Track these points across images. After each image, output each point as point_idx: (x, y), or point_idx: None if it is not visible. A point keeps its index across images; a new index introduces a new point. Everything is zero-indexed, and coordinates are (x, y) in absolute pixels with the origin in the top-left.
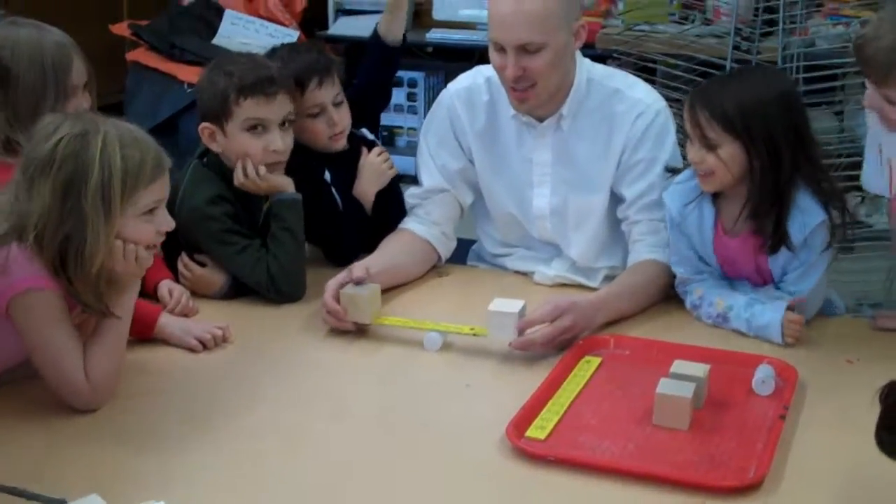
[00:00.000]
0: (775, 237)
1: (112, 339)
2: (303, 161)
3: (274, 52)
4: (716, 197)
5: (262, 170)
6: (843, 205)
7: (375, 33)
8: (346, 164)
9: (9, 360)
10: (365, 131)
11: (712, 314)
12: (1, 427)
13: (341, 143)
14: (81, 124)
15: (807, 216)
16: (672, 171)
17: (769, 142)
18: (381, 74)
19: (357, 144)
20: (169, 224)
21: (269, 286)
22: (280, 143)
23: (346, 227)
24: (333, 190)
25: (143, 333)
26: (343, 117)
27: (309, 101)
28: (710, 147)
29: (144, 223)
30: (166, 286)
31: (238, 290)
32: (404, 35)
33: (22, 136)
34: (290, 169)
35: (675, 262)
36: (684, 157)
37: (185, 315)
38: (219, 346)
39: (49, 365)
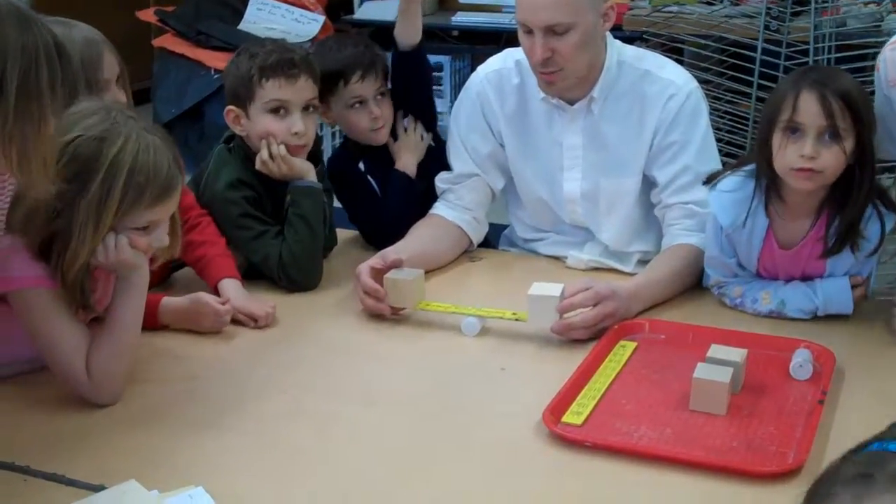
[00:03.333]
0: (845, 239)
1: (114, 338)
2: (339, 153)
3: (323, 43)
4: (767, 207)
5: (283, 149)
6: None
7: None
8: (379, 151)
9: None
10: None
11: (761, 310)
12: (37, 414)
13: (383, 137)
14: (103, 126)
15: (885, 219)
16: (711, 178)
17: (872, 135)
18: (404, 73)
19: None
20: (162, 242)
21: (280, 273)
22: (301, 125)
23: (385, 210)
24: (369, 178)
25: (150, 322)
26: (385, 111)
27: (350, 92)
28: (838, 139)
29: (137, 235)
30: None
31: (252, 273)
32: (434, 37)
33: None
34: (330, 159)
35: (708, 265)
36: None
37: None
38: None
39: (50, 359)
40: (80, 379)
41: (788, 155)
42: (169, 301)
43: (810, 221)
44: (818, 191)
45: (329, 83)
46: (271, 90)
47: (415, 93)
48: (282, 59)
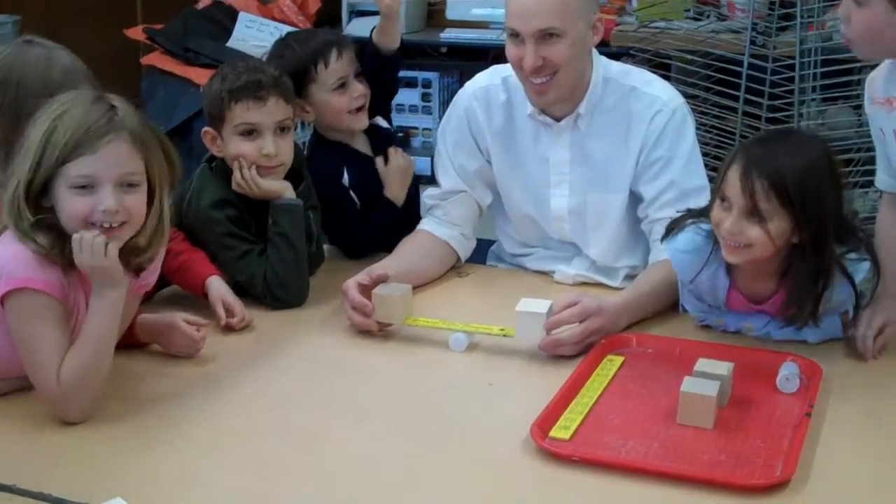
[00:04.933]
0: (811, 315)
1: (85, 353)
2: (323, 162)
3: (286, 38)
4: (730, 268)
5: (253, 171)
6: (877, 267)
7: (370, 40)
8: (365, 164)
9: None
10: (379, 119)
11: (747, 335)
12: (23, 432)
13: (363, 121)
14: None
15: (846, 290)
16: (668, 230)
17: (819, 215)
18: (381, 77)
19: (376, 137)
20: (106, 205)
21: (265, 292)
22: (272, 147)
23: (364, 224)
24: (352, 193)
25: (129, 339)
26: (364, 88)
27: (332, 74)
28: (760, 219)
29: (78, 195)
30: (219, 294)
31: (238, 291)
32: (422, 54)
33: None
34: (312, 170)
35: (683, 301)
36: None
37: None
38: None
39: (28, 365)
40: (51, 388)
41: (719, 225)
42: (145, 318)
43: (775, 282)
44: (771, 257)
45: (307, 72)
46: (240, 113)
47: (387, 96)
48: (249, 82)
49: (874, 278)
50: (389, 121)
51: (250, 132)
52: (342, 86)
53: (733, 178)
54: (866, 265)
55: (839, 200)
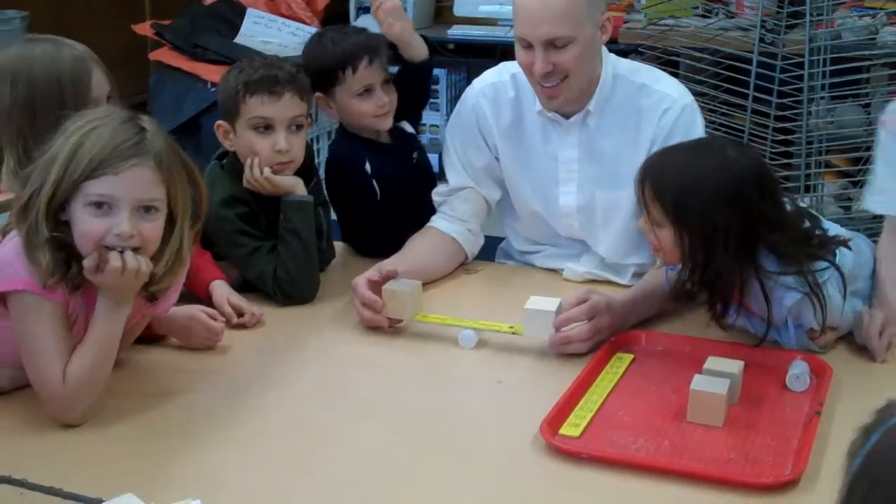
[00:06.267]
0: (722, 317)
1: (93, 348)
2: (346, 150)
3: (323, 34)
4: None
5: (267, 171)
6: (814, 286)
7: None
8: (388, 156)
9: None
10: (405, 124)
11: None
12: (35, 427)
13: (387, 122)
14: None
15: (777, 302)
16: None
17: (703, 237)
18: (410, 83)
19: (399, 137)
20: (121, 229)
21: (275, 288)
22: (284, 143)
23: (380, 219)
24: (374, 181)
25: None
26: (391, 97)
27: (358, 80)
28: (654, 223)
29: (93, 215)
30: (224, 296)
31: (247, 287)
32: (430, 50)
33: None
34: (334, 156)
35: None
36: None
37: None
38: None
39: (30, 365)
40: (54, 386)
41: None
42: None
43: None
44: None
45: (334, 75)
46: (254, 106)
47: (417, 103)
48: (266, 76)
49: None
50: (416, 128)
51: (264, 127)
52: (367, 92)
53: (637, 178)
54: (793, 297)
55: (751, 224)
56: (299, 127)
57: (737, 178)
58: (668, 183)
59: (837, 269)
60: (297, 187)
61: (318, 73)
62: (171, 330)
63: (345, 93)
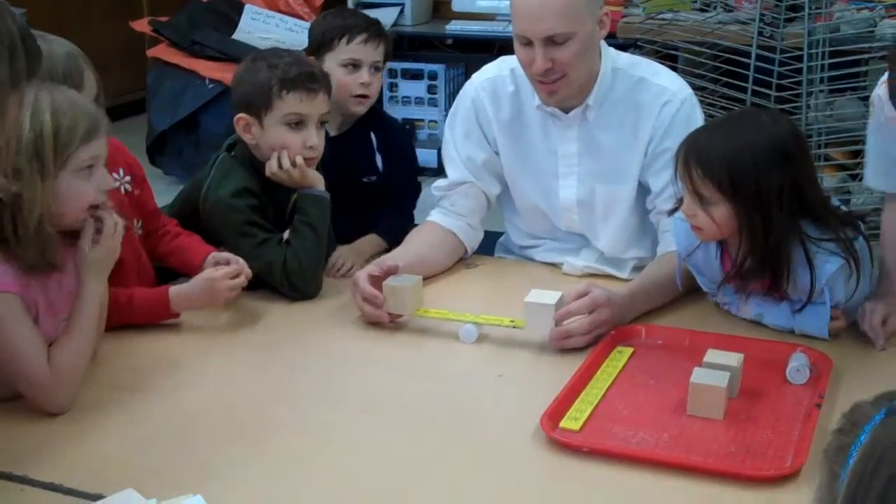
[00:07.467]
0: (780, 291)
1: (77, 333)
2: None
3: (332, 11)
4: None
5: (300, 160)
6: (853, 252)
7: None
8: (331, 143)
9: None
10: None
11: (745, 316)
12: (35, 423)
13: (362, 108)
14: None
15: (820, 268)
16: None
17: (761, 202)
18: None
19: (372, 118)
20: (108, 183)
21: (284, 280)
22: (316, 139)
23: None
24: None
25: (165, 314)
26: (375, 85)
27: (349, 51)
28: (704, 204)
29: (82, 181)
30: (212, 260)
31: (255, 281)
32: (429, 46)
33: None
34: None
35: (679, 281)
36: None
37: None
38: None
39: (10, 362)
40: (40, 377)
41: (682, 209)
42: (178, 288)
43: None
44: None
45: (330, 41)
46: (292, 103)
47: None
48: (303, 73)
49: (853, 277)
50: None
51: (297, 123)
52: (354, 66)
53: (679, 164)
54: (837, 262)
55: (796, 184)
56: (323, 123)
57: (780, 138)
58: (716, 159)
59: (864, 236)
60: (320, 183)
61: (319, 37)
62: (193, 300)
63: (332, 60)
